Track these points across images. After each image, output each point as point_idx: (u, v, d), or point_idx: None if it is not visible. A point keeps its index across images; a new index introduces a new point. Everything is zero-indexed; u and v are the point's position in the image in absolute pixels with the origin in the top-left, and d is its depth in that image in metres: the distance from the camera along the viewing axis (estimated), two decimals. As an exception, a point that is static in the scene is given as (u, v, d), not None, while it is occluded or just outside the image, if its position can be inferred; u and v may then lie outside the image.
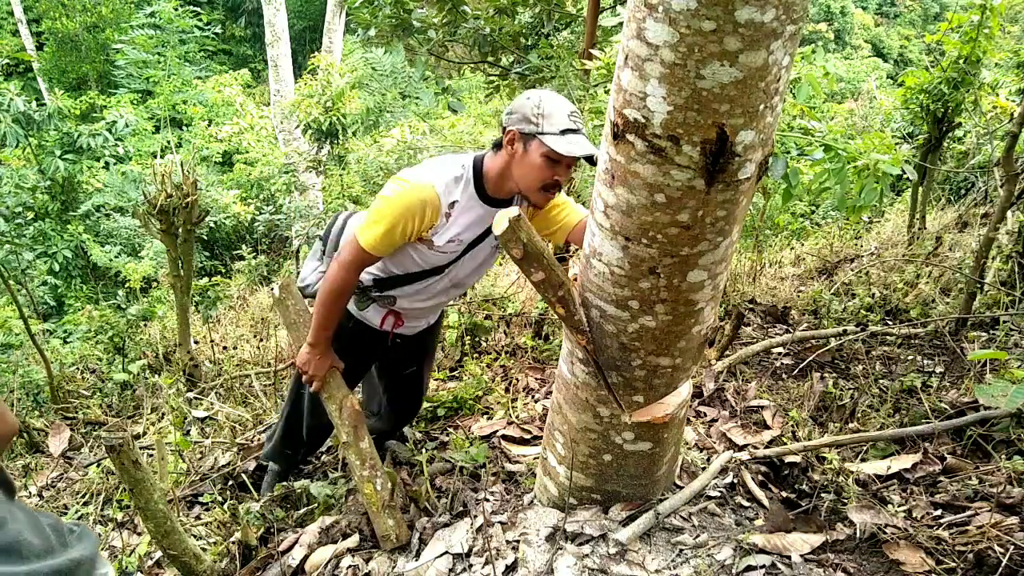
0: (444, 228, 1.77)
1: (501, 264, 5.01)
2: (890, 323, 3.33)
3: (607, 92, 2.54)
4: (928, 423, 2.04)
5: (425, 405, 2.79)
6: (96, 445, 3.12)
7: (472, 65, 5.01)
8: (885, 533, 1.60)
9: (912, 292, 3.71)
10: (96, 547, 0.85)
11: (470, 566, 1.65)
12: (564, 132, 1.63)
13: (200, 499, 2.43)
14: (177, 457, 2.68)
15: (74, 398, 3.73)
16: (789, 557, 1.55)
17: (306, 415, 2.28)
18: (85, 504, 2.58)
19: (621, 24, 3.93)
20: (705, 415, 2.44)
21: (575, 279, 1.52)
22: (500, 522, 1.79)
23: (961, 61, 3.76)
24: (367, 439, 1.99)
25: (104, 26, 15.15)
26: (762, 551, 1.57)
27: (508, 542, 1.70)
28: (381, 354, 2.16)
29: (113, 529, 2.30)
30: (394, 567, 1.74)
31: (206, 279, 4.83)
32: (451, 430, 2.63)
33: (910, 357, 2.83)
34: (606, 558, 1.57)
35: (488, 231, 1.84)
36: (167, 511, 1.63)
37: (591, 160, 1.62)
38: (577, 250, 2.03)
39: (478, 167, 1.77)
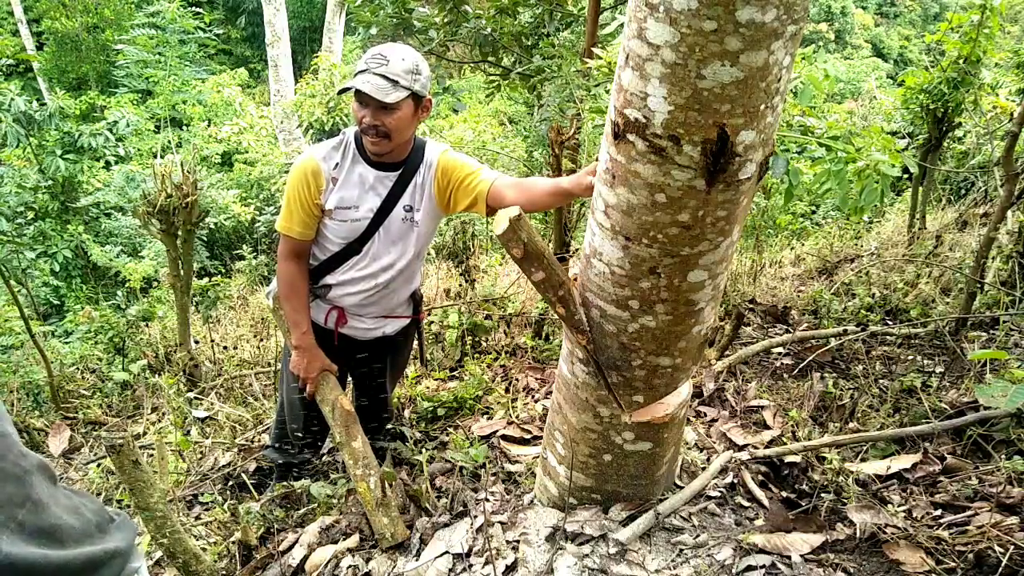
0: (333, 191, 1.88)
1: (502, 264, 5.01)
2: (890, 323, 3.33)
3: (608, 92, 2.54)
4: (928, 423, 2.04)
5: (425, 405, 2.79)
6: (96, 445, 3.12)
7: (473, 65, 5.01)
8: (885, 533, 1.60)
9: (912, 292, 3.71)
10: (134, 538, 0.84)
11: (470, 566, 1.65)
12: (357, 74, 1.76)
13: (200, 499, 2.43)
14: (177, 457, 2.68)
15: (74, 398, 3.73)
16: (789, 557, 1.55)
17: (287, 417, 2.33)
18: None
19: (616, 30, 3.93)
20: (705, 415, 2.44)
21: (575, 279, 1.52)
22: (500, 522, 1.79)
23: (961, 61, 3.76)
24: (360, 438, 2.00)
25: (104, 26, 15.15)
26: (762, 551, 1.57)
27: (508, 542, 1.70)
28: (338, 357, 2.16)
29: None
30: (394, 567, 1.74)
31: (206, 279, 4.83)
32: (451, 430, 2.63)
33: (910, 357, 2.83)
34: (606, 558, 1.57)
35: (391, 200, 1.91)
36: (167, 511, 1.63)
37: (376, 100, 1.73)
38: (577, 250, 2.03)
39: (359, 133, 1.91)
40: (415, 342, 2.47)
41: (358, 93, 1.76)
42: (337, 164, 1.90)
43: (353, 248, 1.96)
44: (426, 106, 1.87)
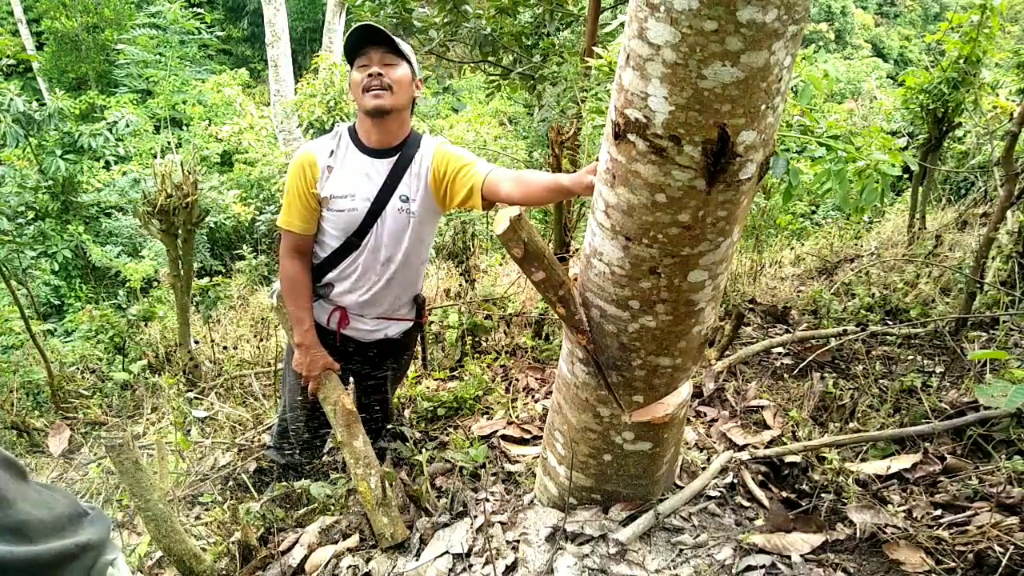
0: (329, 179, 1.92)
1: (502, 264, 5.01)
2: (890, 323, 3.33)
3: (608, 91, 2.55)
4: (928, 423, 2.04)
5: (425, 405, 2.79)
6: (96, 445, 3.12)
7: (473, 65, 5.01)
8: (885, 533, 1.59)
9: (912, 292, 3.71)
10: (108, 532, 0.84)
11: (470, 566, 1.65)
12: (353, 44, 1.86)
13: (200, 499, 2.43)
14: (177, 457, 2.68)
15: (74, 398, 3.73)
16: (789, 557, 1.55)
17: (288, 417, 2.33)
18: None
19: (616, 30, 3.93)
20: (705, 415, 2.44)
21: (575, 279, 1.52)
22: (500, 522, 1.79)
23: (961, 61, 3.76)
24: (361, 438, 2.00)
25: (104, 26, 15.15)
26: (762, 551, 1.57)
27: (508, 542, 1.70)
28: (340, 358, 2.16)
29: (113, 529, 2.30)
30: (394, 567, 1.74)
31: (206, 279, 4.83)
32: (451, 430, 2.63)
33: (910, 357, 2.83)
34: (606, 558, 1.57)
35: (387, 190, 1.93)
36: (167, 511, 1.63)
37: (373, 39, 1.83)
38: (577, 250, 2.03)
39: (353, 126, 1.99)
40: (417, 345, 2.47)
41: (361, 56, 1.84)
42: (332, 152, 1.93)
43: (352, 242, 1.97)
44: (417, 84, 1.95)
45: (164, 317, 4.84)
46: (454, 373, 3.30)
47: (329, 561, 1.80)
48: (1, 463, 0.73)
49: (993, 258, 3.36)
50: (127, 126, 7.60)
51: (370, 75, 1.82)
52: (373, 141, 1.94)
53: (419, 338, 2.41)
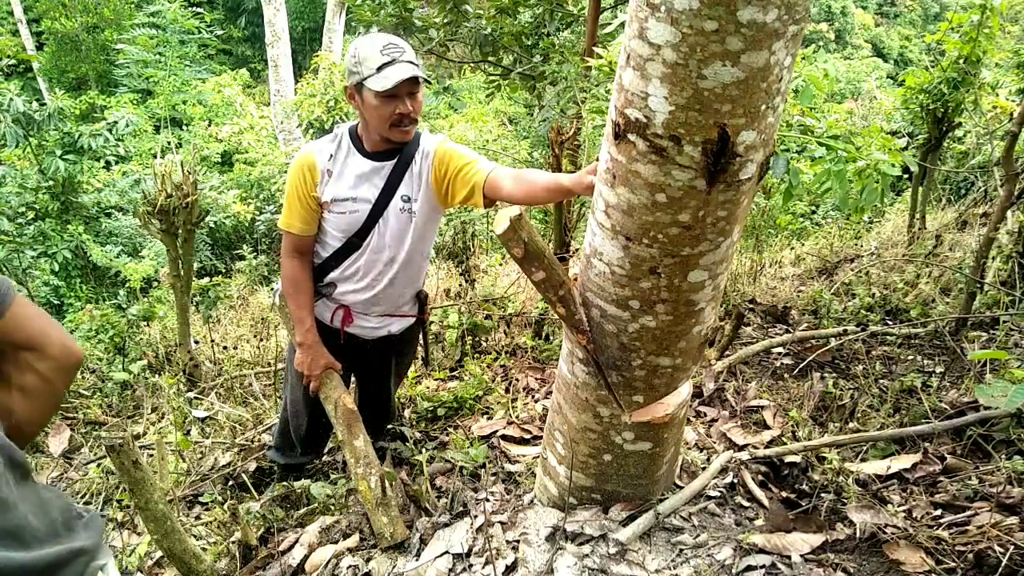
0: (329, 183, 1.91)
1: (502, 264, 5.01)
2: (890, 323, 3.33)
3: (608, 91, 2.55)
4: (928, 423, 2.04)
5: (425, 405, 2.79)
6: (96, 445, 3.12)
7: (473, 65, 5.01)
8: (885, 533, 1.60)
9: (912, 292, 3.71)
10: (101, 536, 0.84)
11: (470, 566, 1.65)
12: (380, 68, 1.76)
13: (200, 499, 2.43)
14: (177, 457, 2.68)
15: (74, 398, 3.73)
16: (789, 557, 1.55)
17: (290, 417, 2.33)
18: (85, 504, 2.58)
19: (616, 30, 3.93)
20: (705, 415, 2.44)
21: (575, 279, 1.52)
22: (500, 522, 1.79)
23: (961, 61, 3.76)
24: (362, 437, 2.00)
25: (104, 26, 15.15)
26: (762, 551, 1.57)
27: (508, 542, 1.70)
28: (344, 356, 2.16)
29: (113, 529, 2.30)
30: (394, 567, 1.74)
31: (206, 279, 4.82)
32: (451, 430, 2.63)
33: (910, 357, 2.83)
34: (606, 558, 1.57)
35: (388, 191, 1.94)
36: (167, 511, 1.63)
37: (420, 81, 1.78)
38: (577, 250, 2.03)
39: (353, 128, 1.97)
40: (419, 341, 2.47)
41: (377, 91, 1.78)
42: (332, 156, 1.92)
43: (353, 243, 1.97)
44: None
45: (164, 317, 4.83)
46: (454, 373, 3.30)
47: (329, 561, 1.80)
48: (8, 463, 0.73)
49: (993, 258, 3.36)
50: (127, 126, 7.59)
51: (400, 113, 1.81)
52: (374, 144, 1.94)
53: (422, 335, 2.41)
